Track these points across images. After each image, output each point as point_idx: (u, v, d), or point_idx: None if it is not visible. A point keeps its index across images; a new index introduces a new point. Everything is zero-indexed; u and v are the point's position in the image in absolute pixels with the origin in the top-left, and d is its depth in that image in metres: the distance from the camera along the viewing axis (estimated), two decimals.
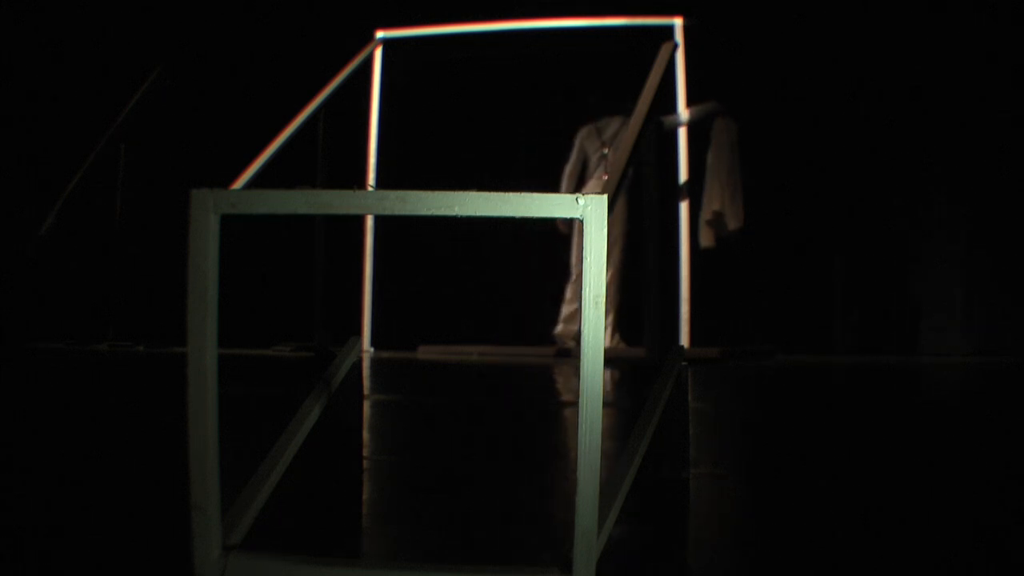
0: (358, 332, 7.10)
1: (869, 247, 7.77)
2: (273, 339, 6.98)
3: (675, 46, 6.10)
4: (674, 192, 6.74)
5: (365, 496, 2.48)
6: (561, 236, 7.32)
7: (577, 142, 7.32)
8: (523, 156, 7.96)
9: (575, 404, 1.49)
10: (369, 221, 7.28)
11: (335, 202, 1.59)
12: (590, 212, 1.53)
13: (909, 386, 5.47)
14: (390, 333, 7.49)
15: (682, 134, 6.87)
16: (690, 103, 6.88)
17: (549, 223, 7.03)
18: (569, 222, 7.17)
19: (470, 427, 3.80)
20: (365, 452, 2.78)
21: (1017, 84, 7.34)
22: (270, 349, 6.82)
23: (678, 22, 6.82)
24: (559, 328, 7.37)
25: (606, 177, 7.20)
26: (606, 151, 7.15)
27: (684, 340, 6.64)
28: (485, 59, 7.57)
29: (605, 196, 1.53)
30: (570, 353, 7.02)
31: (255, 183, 4.88)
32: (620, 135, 7.12)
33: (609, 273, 7.22)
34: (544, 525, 2.23)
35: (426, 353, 7.31)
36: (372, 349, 7.28)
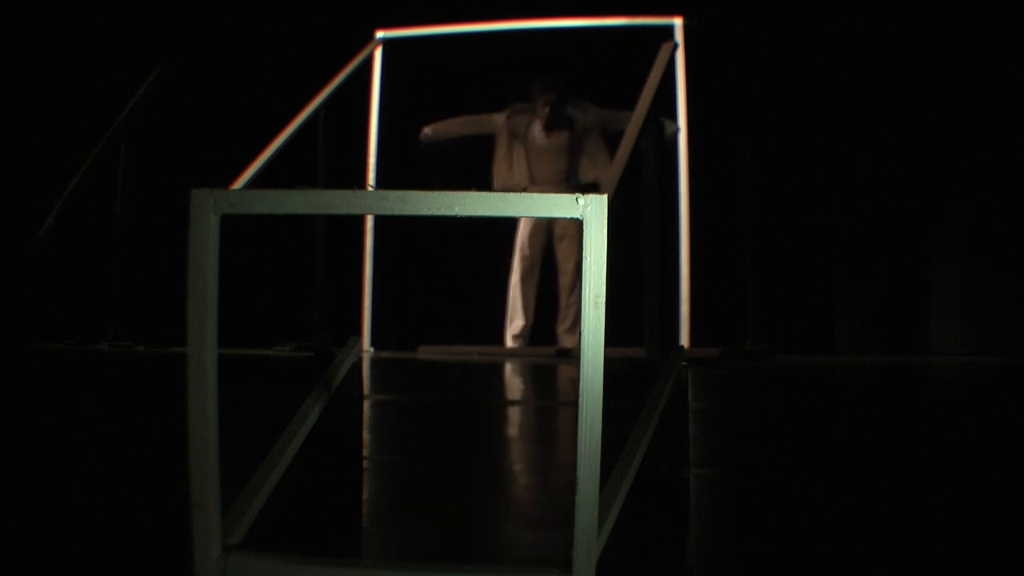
0: (358, 332, 7.10)
1: (869, 247, 7.76)
2: (273, 339, 6.98)
3: (675, 46, 6.11)
4: (672, 190, 6.74)
5: (365, 496, 2.48)
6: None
7: (507, 118, 7.39)
8: None
9: (574, 404, 1.49)
10: (369, 221, 7.27)
11: (335, 202, 1.59)
12: (590, 212, 1.53)
13: (909, 386, 5.47)
14: (390, 333, 7.49)
15: (682, 134, 6.86)
16: (690, 103, 6.88)
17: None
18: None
19: (470, 427, 3.80)
20: (365, 452, 2.78)
21: (1017, 84, 7.34)
22: (270, 349, 6.82)
23: (678, 22, 6.81)
24: (510, 341, 7.41)
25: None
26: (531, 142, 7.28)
27: (684, 340, 6.64)
28: (485, 59, 7.56)
29: (605, 196, 1.53)
30: (570, 353, 7.02)
31: (255, 183, 4.88)
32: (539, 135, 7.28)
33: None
34: (544, 524, 2.23)
35: (426, 353, 7.30)
36: (372, 349, 7.28)
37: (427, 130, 7.36)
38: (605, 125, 7.24)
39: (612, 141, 7.20)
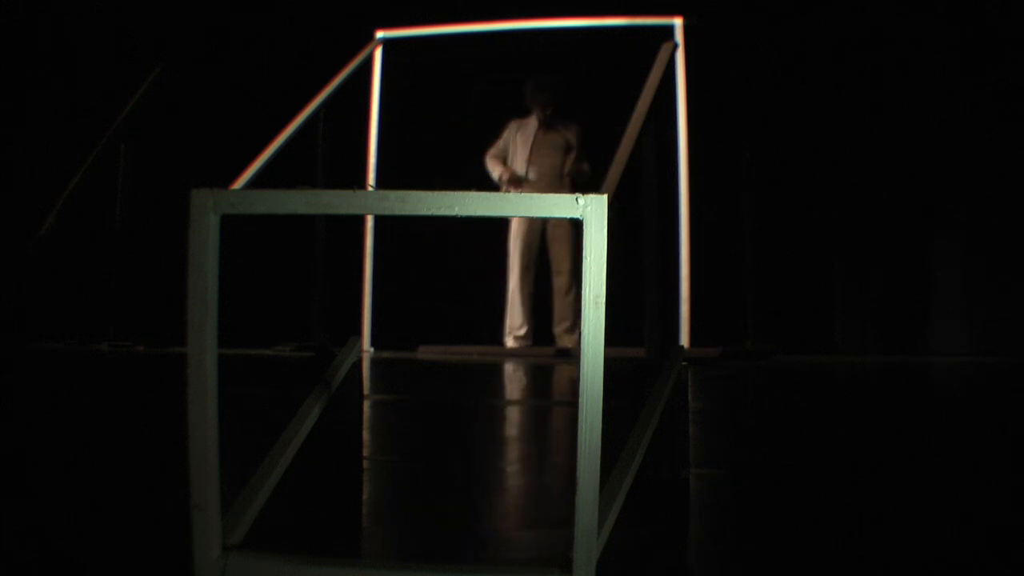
0: (358, 332, 7.10)
1: (869, 247, 7.76)
2: (273, 339, 6.98)
3: (675, 46, 6.11)
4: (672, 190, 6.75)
5: (365, 496, 2.48)
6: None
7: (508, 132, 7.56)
8: None
9: (574, 404, 1.50)
10: (369, 221, 7.27)
11: (335, 202, 1.59)
12: (590, 212, 1.53)
13: (909, 386, 5.47)
14: (390, 333, 7.49)
15: (682, 134, 6.86)
16: (690, 103, 6.88)
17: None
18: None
19: (470, 427, 3.80)
20: (365, 452, 2.78)
21: (1017, 84, 7.34)
22: (270, 349, 6.82)
23: (678, 22, 6.81)
24: (510, 342, 7.43)
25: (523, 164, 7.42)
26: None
27: (684, 340, 6.64)
28: (485, 59, 7.57)
29: (605, 196, 1.53)
30: (569, 353, 7.02)
31: (255, 183, 4.88)
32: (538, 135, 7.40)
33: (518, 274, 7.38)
34: (544, 524, 2.23)
35: (426, 353, 7.31)
36: (372, 349, 7.28)
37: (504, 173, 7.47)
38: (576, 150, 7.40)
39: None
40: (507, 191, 7.27)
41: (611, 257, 1.53)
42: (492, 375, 5.98)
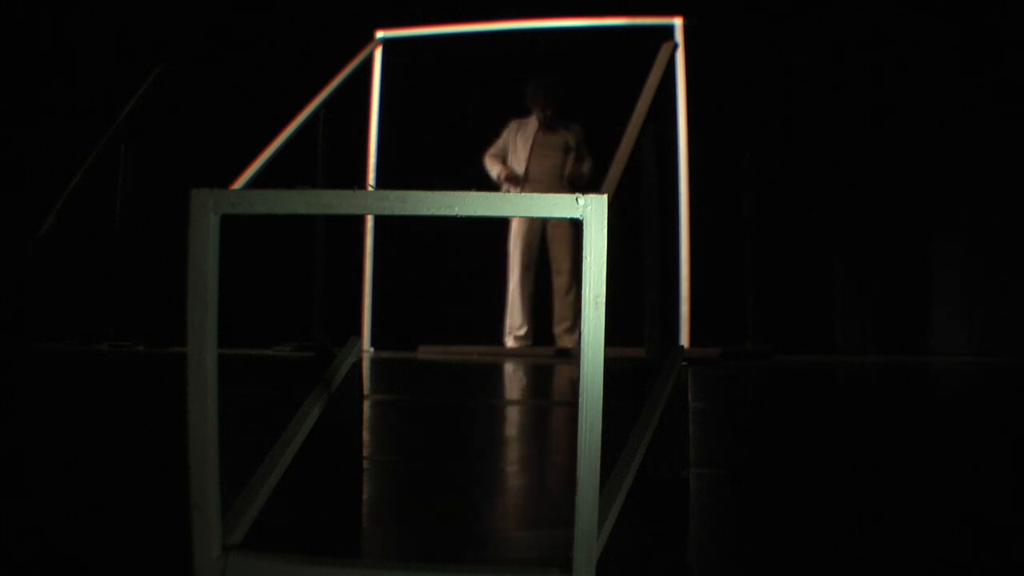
0: (358, 332, 7.10)
1: (869, 246, 7.76)
2: (273, 339, 6.97)
3: (675, 46, 6.11)
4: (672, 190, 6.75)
5: (365, 496, 2.48)
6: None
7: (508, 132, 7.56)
8: None
9: (574, 404, 1.50)
10: (369, 221, 7.27)
11: (335, 202, 1.59)
12: (590, 212, 1.53)
13: (909, 386, 5.47)
14: (390, 333, 7.49)
15: (682, 134, 6.86)
16: (690, 103, 6.88)
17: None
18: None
19: (470, 427, 3.80)
20: (365, 452, 2.78)
21: (1017, 84, 7.34)
22: (270, 349, 6.82)
23: (678, 22, 6.81)
24: (510, 342, 7.43)
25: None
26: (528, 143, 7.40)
27: (684, 340, 6.64)
28: (485, 59, 7.57)
29: (605, 196, 1.53)
30: (569, 353, 7.02)
31: (255, 183, 4.88)
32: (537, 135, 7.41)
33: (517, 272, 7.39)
34: (544, 524, 2.23)
35: (426, 353, 7.30)
36: (372, 349, 7.28)
37: (502, 171, 7.46)
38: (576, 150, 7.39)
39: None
40: (506, 190, 7.27)
41: (611, 257, 1.53)
42: (492, 375, 5.98)
